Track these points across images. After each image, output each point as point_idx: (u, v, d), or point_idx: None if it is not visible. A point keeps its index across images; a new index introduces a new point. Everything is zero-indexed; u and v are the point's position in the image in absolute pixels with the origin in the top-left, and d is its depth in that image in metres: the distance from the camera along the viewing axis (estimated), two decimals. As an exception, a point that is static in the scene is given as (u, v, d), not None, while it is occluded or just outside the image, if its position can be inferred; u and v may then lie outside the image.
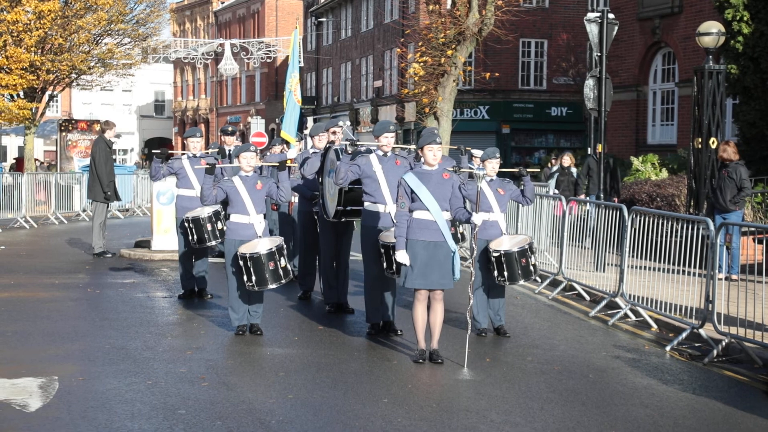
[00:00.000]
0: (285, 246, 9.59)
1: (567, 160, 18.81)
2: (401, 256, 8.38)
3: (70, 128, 34.27)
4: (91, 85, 35.27)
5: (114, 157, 17.62)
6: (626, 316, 10.95)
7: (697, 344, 9.45)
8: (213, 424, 6.61)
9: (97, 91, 40.56)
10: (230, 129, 14.48)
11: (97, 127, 19.37)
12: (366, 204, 9.67)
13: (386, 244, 9.21)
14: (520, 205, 11.40)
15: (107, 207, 17.07)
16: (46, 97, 32.79)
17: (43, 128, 38.14)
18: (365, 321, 9.87)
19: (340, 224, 10.54)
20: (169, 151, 11.96)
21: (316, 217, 11.34)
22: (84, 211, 25.78)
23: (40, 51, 30.07)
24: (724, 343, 9.04)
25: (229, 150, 13.93)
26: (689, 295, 9.84)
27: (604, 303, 11.39)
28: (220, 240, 10.98)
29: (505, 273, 9.59)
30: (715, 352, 8.98)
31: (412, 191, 8.37)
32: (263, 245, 9.40)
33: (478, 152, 17.88)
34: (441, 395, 7.62)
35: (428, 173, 8.47)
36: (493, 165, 9.75)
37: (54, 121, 41.28)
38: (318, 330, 10.09)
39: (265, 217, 9.79)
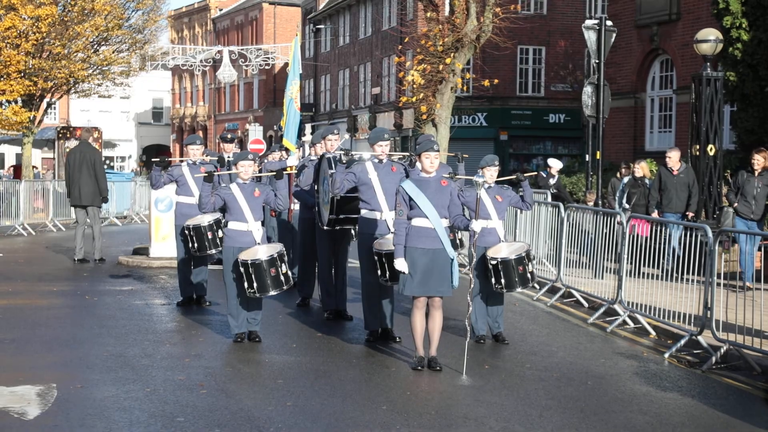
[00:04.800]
0: (285, 252, 9.60)
1: (640, 170, 15.92)
2: (400, 264, 8.36)
3: (68, 135, 34.25)
4: (88, 93, 35.25)
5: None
6: (625, 323, 10.94)
7: (695, 351, 9.45)
8: (211, 431, 6.60)
9: (95, 99, 40.56)
10: (229, 136, 14.50)
11: (80, 133, 19.20)
12: (362, 211, 9.69)
13: (380, 252, 9.19)
14: (520, 211, 11.30)
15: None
16: (44, 105, 32.77)
17: (41, 136, 38.11)
18: (364, 328, 9.86)
19: (337, 231, 10.54)
20: (168, 159, 11.95)
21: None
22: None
23: (38, 57, 30.03)
24: (722, 350, 9.03)
25: (228, 157, 13.92)
26: (688, 302, 9.84)
27: (602, 310, 11.39)
28: (220, 248, 10.97)
29: (503, 280, 9.55)
30: (713, 359, 8.98)
31: (411, 199, 8.35)
32: (263, 252, 9.40)
33: (555, 162, 17.66)
34: (440, 402, 7.61)
35: (426, 180, 8.44)
36: (492, 172, 9.72)
37: (52, 128, 41.26)
38: (316, 337, 10.08)
39: (263, 224, 9.79)
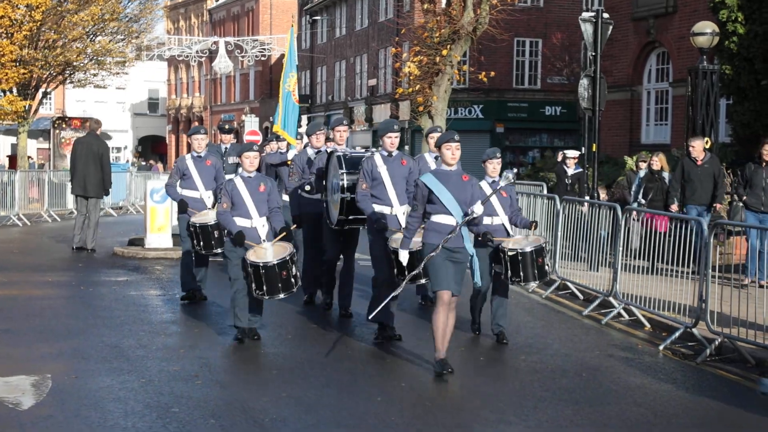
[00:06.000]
0: (295, 253, 9.13)
1: (657, 162, 15.05)
2: (404, 256, 8.09)
3: (64, 126, 34.21)
4: (84, 83, 35.19)
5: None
6: (620, 315, 10.96)
7: (690, 343, 9.46)
8: (206, 422, 6.60)
9: (90, 89, 40.48)
10: (227, 127, 14.41)
11: (89, 124, 19.14)
12: (373, 206, 9.33)
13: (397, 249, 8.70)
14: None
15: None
16: (39, 95, 32.71)
17: (36, 126, 38.04)
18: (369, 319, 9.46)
19: (345, 230, 10.13)
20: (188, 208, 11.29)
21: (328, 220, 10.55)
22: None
23: (33, 46, 29.97)
24: (717, 343, 9.05)
25: (225, 148, 13.85)
26: (682, 294, 9.86)
27: (597, 302, 11.40)
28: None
29: (521, 273, 9.13)
30: (708, 351, 9.00)
31: (431, 192, 7.85)
32: (272, 253, 8.94)
33: (572, 153, 17.06)
34: (434, 394, 7.61)
35: (447, 173, 7.92)
36: (494, 165, 9.30)
37: (47, 118, 41.16)
38: (311, 328, 10.08)
39: (268, 220, 9.36)
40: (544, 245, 9.36)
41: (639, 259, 11.29)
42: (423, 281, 9.11)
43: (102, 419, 6.60)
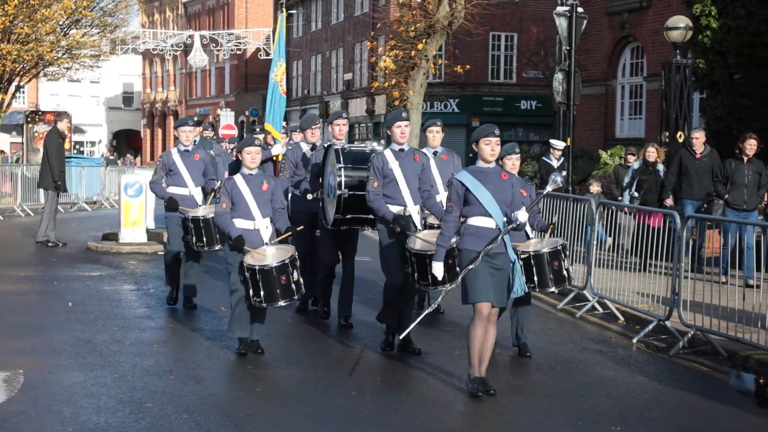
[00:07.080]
0: (297, 257, 8.41)
1: (653, 153, 14.07)
2: (437, 269, 7.33)
3: (37, 120, 33.94)
4: (57, 77, 34.91)
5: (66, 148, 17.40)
6: (594, 308, 11.00)
7: (663, 336, 9.52)
8: (180, 417, 6.57)
9: (64, 83, 40.15)
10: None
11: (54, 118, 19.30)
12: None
13: (421, 253, 8.12)
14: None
15: (57, 197, 17.03)
16: (12, 88, 32.41)
17: (9, 120, 37.72)
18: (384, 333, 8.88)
19: (343, 231, 9.46)
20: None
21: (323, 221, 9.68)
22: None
23: (6, 41, 29.69)
24: (689, 335, 9.12)
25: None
26: (656, 287, 9.92)
27: (572, 295, 11.44)
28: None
29: (535, 278, 8.51)
30: (680, 344, 9.06)
31: (467, 191, 7.13)
32: (272, 255, 8.27)
33: (558, 143, 16.46)
34: (409, 388, 7.62)
35: (485, 171, 7.20)
36: (513, 162, 8.35)
37: (20, 112, 40.80)
38: (287, 324, 10.05)
39: (271, 221, 8.63)
40: (561, 248, 8.63)
41: (631, 255, 11.28)
42: (448, 286, 7.68)
43: (74, 414, 6.56)
